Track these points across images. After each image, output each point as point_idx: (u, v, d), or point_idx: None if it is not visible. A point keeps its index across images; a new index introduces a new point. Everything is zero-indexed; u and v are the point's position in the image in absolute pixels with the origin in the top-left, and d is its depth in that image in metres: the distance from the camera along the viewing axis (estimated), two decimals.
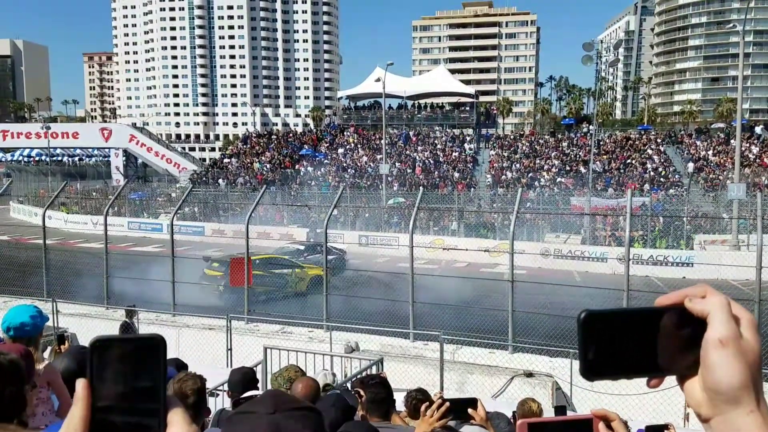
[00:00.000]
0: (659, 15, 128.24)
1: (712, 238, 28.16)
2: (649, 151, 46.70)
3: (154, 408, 0.67)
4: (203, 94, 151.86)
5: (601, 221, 30.46)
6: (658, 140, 49.06)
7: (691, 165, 43.36)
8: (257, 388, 4.56)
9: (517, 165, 46.32)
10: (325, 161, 48.28)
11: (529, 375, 10.16)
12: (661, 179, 42.05)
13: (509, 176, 44.34)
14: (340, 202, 21.42)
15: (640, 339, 0.71)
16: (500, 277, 15.65)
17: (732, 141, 37.95)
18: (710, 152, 45.30)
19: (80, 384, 0.66)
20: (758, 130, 51.74)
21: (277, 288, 17.42)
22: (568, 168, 45.04)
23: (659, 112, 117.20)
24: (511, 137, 56.12)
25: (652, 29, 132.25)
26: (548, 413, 6.24)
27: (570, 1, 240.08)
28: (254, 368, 6.22)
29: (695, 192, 38.46)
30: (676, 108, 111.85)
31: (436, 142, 50.61)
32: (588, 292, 16.29)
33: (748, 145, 44.69)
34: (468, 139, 51.88)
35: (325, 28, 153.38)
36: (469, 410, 2.97)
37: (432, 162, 47.16)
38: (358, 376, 5.37)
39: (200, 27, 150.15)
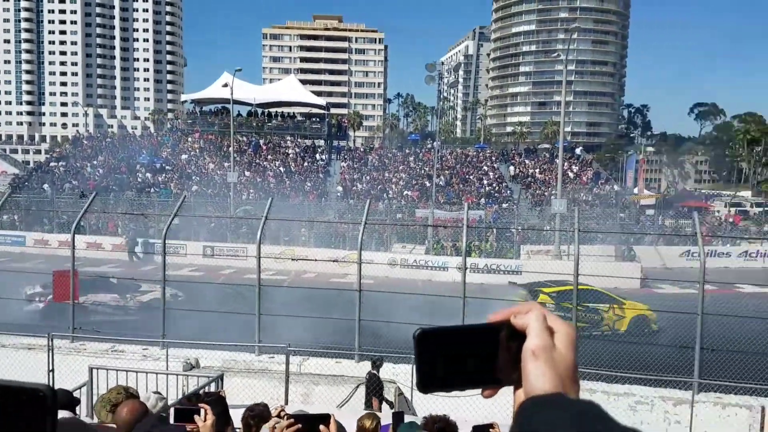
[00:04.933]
0: (495, 42, 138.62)
1: (537, 249, 30.82)
2: (485, 168, 50.08)
3: None
4: (28, 92, 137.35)
5: (443, 232, 32.00)
6: (493, 158, 52.82)
7: (511, 168, 47.66)
8: (75, 413, 4.09)
9: (367, 177, 47.34)
10: (167, 167, 45.77)
11: None
12: (495, 194, 45.25)
13: (359, 188, 45.16)
14: (182, 211, 20.36)
15: (471, 354, 0.76)
16: (350, 286, 15.78)
17: (556, 160, 41.87)
18: (537, 170, 49.61)
19: None
20: (578, 151, 57.69)
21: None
22: (414, 181, 46.88)
23: (494, 131, 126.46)
24: (362, 150, 57.33)
25: (488, 54, 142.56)
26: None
27: (416, 23, 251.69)
28: (73, 391, 5.61)
29: (524, 206, 41.84)
30: (509, 128, 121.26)
31: (287, 151, 50.17)
32: (430, 300, 16.98)
33: (569, 164, 49.56)
34: (320, 150, 52.09)
35: (168, 28, 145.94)
36: (321, 427, 2.88)
37: (283, 171, 46.67)
38: (186, 395, 5.04)
39: (27, 20, 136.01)
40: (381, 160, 50.97)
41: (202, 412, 3.06)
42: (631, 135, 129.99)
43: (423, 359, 0.76)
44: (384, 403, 9.66)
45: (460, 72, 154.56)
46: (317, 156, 50.56)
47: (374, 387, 9.56)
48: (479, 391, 0.79)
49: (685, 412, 9.80)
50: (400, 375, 10.55)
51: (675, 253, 30.20)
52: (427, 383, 0.76)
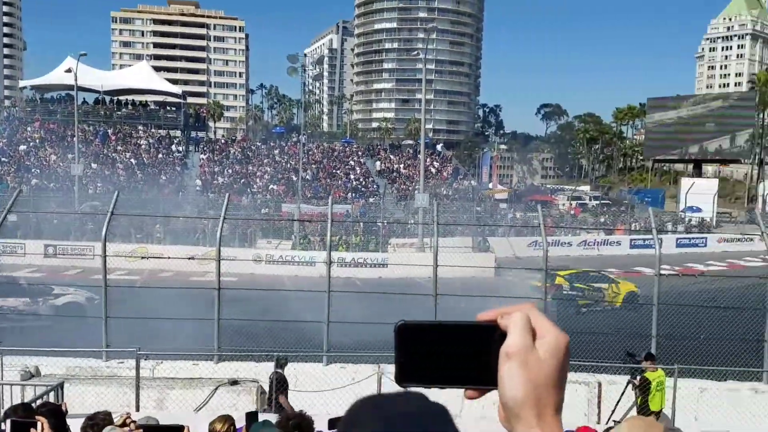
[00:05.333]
0: (358, 37, 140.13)
1: (402, 242, 31.64)
2: (352, 163, 50.52)
3: None
4: None
5: (311, 227, 31.79)
6: (360, 153, 53.42)
7: (377, 164, 48.58)
8: None
9: (229, 170, 45.80)
10: (2, 159, 41.19)
11: (234, 383, 9.93)
12: (362, 188, 45.81)
13: (221, 181, 43.56)
14: (20, 207, 18.36)
15: (456, 352, 0.73)
16: (210, 285, 15.10)
17: (419, 156, 43.27)
18: (401, 165, 50.94)
19: None
20: (439, 147, 60.02)
21: None
22: (280, 175, 46.11)
23: (360, 127, 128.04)
24: (223, 142, 55.33)
25: (353, 50, 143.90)
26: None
27: (279, 13, 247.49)
28: None
29: (390, 200, 42.79)
30: (375, 124, 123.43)
31: (139, 142, 47.12)
32: (297, 296, 16.74)
33: (431, 160, 51.38)
34: (176, 141, 49.50)
35: (6, 8, 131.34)
36: None
37: (135, 163, 43.78)
38: (12, 406, 4.50)
39: None
40: (244, 152, 49.57)
41: (39, 424, 2.87)
42: (486, 133, 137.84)
43: (402, 352, 0.74)
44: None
45: (326, 65, 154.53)
46: (173, 147, 48.05)
47: (279, 386, 9.33)
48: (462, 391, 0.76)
49: None
50: (262, 374, 10.26)
51: (524, 243, 32.37)
52: (405, 377, 0.74)
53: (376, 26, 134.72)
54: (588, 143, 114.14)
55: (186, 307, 14.46)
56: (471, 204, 42.21)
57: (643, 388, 9.34)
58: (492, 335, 0.73)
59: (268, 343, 11.28)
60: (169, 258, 17.08)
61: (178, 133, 50.95)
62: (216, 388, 9.74)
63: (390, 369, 10.97)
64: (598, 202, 57.21)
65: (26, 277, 20.76)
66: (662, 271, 12.11)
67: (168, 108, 52.18)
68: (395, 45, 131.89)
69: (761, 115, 73.96)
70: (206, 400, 9.60)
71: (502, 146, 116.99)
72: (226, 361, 11.09)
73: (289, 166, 47.48)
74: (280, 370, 9.50)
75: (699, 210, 44.95)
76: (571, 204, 52.74)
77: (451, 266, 13.13)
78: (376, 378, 9.93)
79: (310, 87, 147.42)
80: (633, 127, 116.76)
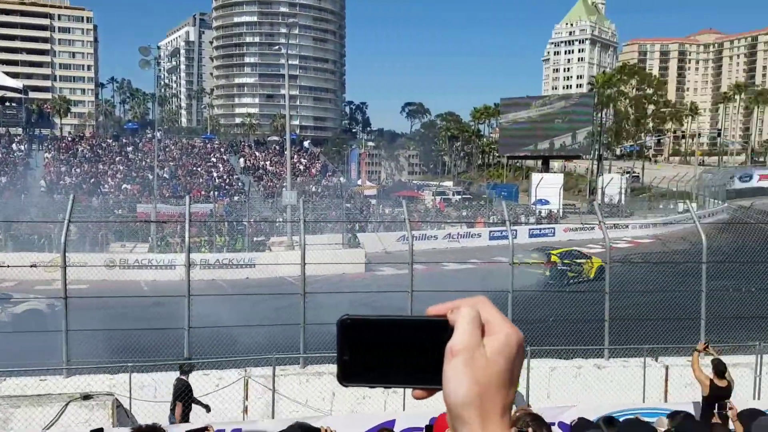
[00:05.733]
0: (217, 30, 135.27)
1: (271, 240, 31.05)
2: (214, 160, 48.74)
3: None
4: None
5: (170, 228, 30.24)
6: (222, 149, 51.67)
7: (241, 161, 47.39)
8: None
9: (77, 170, 42.33)
10: None
11: (87, 397, 9.16)
12: (226, 186, 44.37)
13: (68, 182, 40.15)
14: None
15: (404, 349, 0.68)
16: (57, 293, 13.85)
17: (286, 152, 42.69)
18: (268, 162, 50.00)
19: None
20: (306, 144, 59.69)
21: None
22: (134, 174, 43.39)
23: (222, 122, 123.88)
24: (70, 139, 51.05)
25: (211, 42, 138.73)
26: None
27: (131, 3, 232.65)
28: None
29: (256, 198, 41.85)
30: (238, 120, 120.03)
31: None
32: (156, 301, 15.84)
33: (299, 157, 50.93)
34: (17, 139, 45.00)
35: None
36: None
37: None
38: None
39: None
40: (93, 150, 46.08)
41: None
42: (353, 130, 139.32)
43: (345, 349, 0.69)
44: (196, 405, 9.03)
45: (182, 59, 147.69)
46: (14, 146, 43.58)
47: (183, 393, 8.72)
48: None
49: None
50: (118, 386, 9.57)
51: (393, 238, 33.12)
52: (348, 375, 0.69)
53: (236, 19, 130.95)
54: (450, 141, 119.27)
55: (28, 320, 13.15)
56: (340, 201, 42.43)
57: None
58: (441, 331, 0.67)
59: (124, 353, 10.52)
60: (8, 266, 15.44)
61: (20, 130, 46.71)
62: (66, 404, 8.94)
63: (257, 372, 10.70)
64: (460, 196, 59.99)
65: None
66: (516, 259, 12.90)
67: (8, 104, 47.57)
68: (257, 39, 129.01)
69: (599, 115, 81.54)
70: (56, 418, 8.78)
71: (370, 143, 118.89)
72: (77, 375, 10.21)
73: (144, 164, 44.83)
74: (184, 377, 9.10)
75: (547, 202, 48.60)
76: (435, 199, 54.81)
77: (317, 263, 13.05)
78: (243, 383, 9.64)
79: (166, 81, 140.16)
80: (489, 125, 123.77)
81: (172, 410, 8.90)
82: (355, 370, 0.69)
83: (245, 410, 9.54)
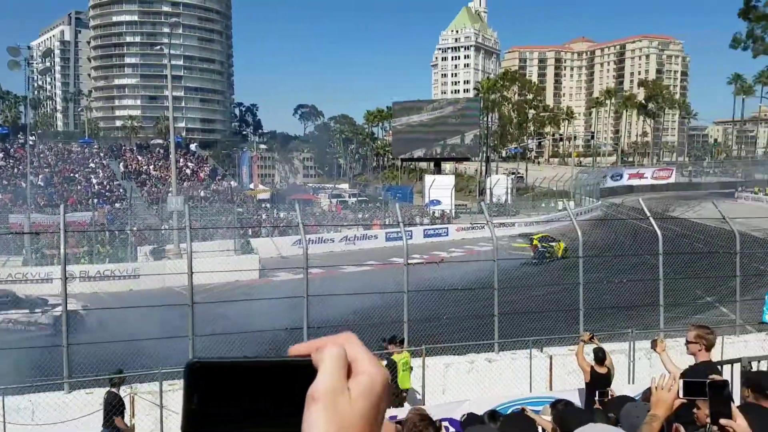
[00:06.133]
0: (95, 29, 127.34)
1: (159, 248, 29.57)
2: (93, 165, 45.83)
3: None
4: None
5: (46, 239, 28.09)
6: (102, 154, 48.70)
7: (122, 166, 45.00)
8: None
9: None
10: None
11: None
12: (107, 193, 41.84)
13: None
14: None
15: (263, 394, 0.61)
16: None
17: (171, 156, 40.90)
18: (151, 167, 47.69)
19: None
20: (193, 147, 57.51)
21: None
22: (5, 182, 39.90)
23: (102, 126, 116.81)
24: None
25: (89, 42, 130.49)
26: None
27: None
28: None
29: (140, 205, 39.76)
30: (119, 123, 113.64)
31: None
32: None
33: (185, 161, 48.98)
34: None
35: None
36: None
37: None
38: None
39: None
40: None
41: None
42: (244, 133, 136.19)
43: (194, 396, 0.61)
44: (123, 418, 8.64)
45: (57, 59, 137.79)
46: None
47: (115, 406, 8.37)
48: None
49: None
50: None
51: (289, 242, 32.67)
52: (195, 425, 0.61)
53: (115, 18, 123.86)
54: (344, 143, 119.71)
55: None
56: (232, 206, 41.27)
57: (390, 370, 10.08)
58: (304, 373, 0.61)
59: None
60: None
61: None
62: None
63: (144, 388, 10.13)
64: (356, 199, 60.28)
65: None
66: (411, 260, 13.11)
67: None
68: (137, 39, 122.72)
69: (485, 119, 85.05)
70: None
71: (262, 146, 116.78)
72: None
73: (16, 171, 41.32)
74: (114, 390, 8.46)
75: (440, 203, 49.99)
76: (332, 202, 54.67)
77: (207, 272, 12.59)
78: (128, 400, 9.09)
79: (39, 82, 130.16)
80: (383, 128, 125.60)
81: (108, 426, 8.51)
82: (204, 419, 0.61)
83: (132, 429, 9.00)
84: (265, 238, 34.00)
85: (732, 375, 5.72)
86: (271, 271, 26.96)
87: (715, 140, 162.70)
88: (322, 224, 38.79)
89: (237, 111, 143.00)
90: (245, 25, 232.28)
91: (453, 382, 11.45)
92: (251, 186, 62.69)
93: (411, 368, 10.49)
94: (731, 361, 6.19)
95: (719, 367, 5.41)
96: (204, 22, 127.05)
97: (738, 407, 2.46)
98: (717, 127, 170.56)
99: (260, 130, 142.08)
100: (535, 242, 29.31)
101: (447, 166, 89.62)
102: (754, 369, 5.14)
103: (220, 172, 53.03)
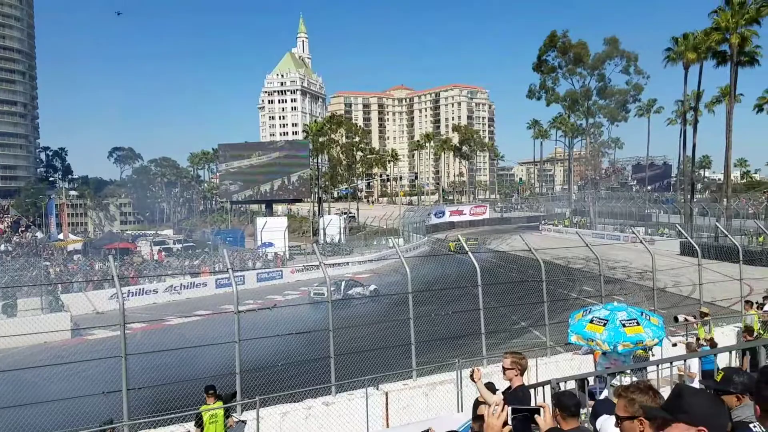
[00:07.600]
0: None
1: None
2: None
3: None
4: None
5: None
6: None
7: None
8: None
9: None
10: None
11: None
12: None
13: None
14: None
15: None
16: None
17: None
18: None
19: None
20: None
21: None
22: None
23: None
24: None
25: None
26: None
27: None
28: None
29: None
30: None
31: None
32: None
33: None
34: None
35: None
36: None
37: None
38: None
39: None
40: None
41: None
42: (51, 179, 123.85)
43: None
44: None
45: None
46: None
47: None
48: None
49: None
50: None
51: (105, 296, 29.97)
52: None
53: None
54: (167, 187, 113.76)
55: None
56: (38, 259, 37.03)
57: (198, 425, 9.70)
58: None
59: None
60: None
61: None
62: None
63: None
64: (182, 245, 57.17)
65: None
66: (244, 307, 12.60)
67: None
68: None
69: (315, 160, 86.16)
70: None
71: (72, 192, 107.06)
72: None
73: None
74: None
75: (273, 245, 49.27)
76: (153, 250, 51.30)
77: (6, 336, 11.10)
78: None
79: None
80: (210, 170, 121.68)
81: None
82: None
83: None
84: (78, 293, 30.90)
85: (544, 397, 6.21)
86: (85, 330, 24.53)
87: (521, 179, 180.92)
88: (143, 275, 36.17)
89: (43, 156, 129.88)
90: (53, 66, 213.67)
91: (291, 430, 11.10)
92: (60, 236, 56.90)
93: (220, 421, 9.94)
94: (543, 384, 6.72)
95: (532, 390, 5.86)
96: (4, 62, 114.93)
97: None
98: (521, 167, 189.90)
99: (70, 176, 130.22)
100: (453, 244, 34.02)
101: (279, 207, 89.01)
102: (563, 388, 5.63)
103: (24, 223, 47.51)
